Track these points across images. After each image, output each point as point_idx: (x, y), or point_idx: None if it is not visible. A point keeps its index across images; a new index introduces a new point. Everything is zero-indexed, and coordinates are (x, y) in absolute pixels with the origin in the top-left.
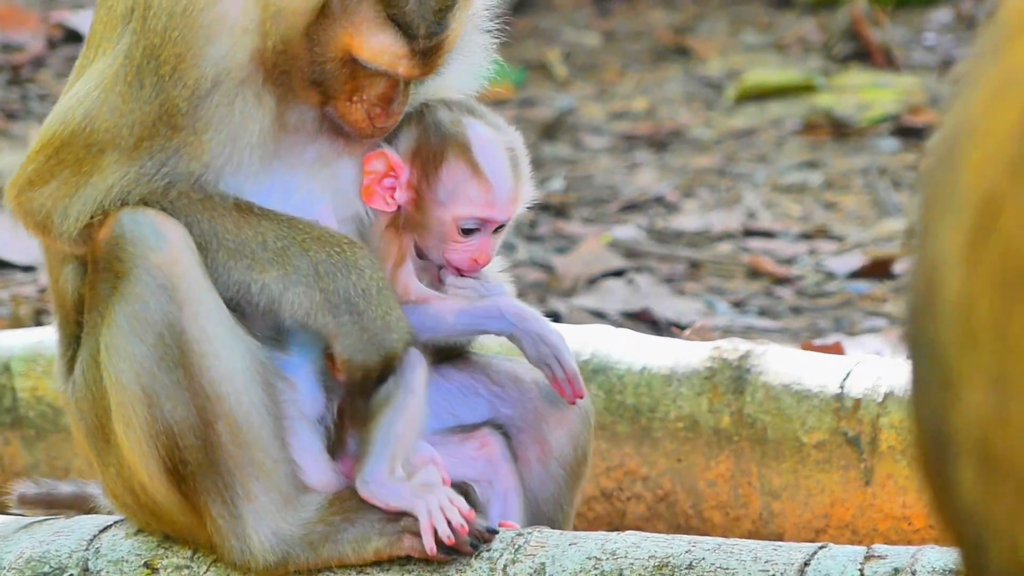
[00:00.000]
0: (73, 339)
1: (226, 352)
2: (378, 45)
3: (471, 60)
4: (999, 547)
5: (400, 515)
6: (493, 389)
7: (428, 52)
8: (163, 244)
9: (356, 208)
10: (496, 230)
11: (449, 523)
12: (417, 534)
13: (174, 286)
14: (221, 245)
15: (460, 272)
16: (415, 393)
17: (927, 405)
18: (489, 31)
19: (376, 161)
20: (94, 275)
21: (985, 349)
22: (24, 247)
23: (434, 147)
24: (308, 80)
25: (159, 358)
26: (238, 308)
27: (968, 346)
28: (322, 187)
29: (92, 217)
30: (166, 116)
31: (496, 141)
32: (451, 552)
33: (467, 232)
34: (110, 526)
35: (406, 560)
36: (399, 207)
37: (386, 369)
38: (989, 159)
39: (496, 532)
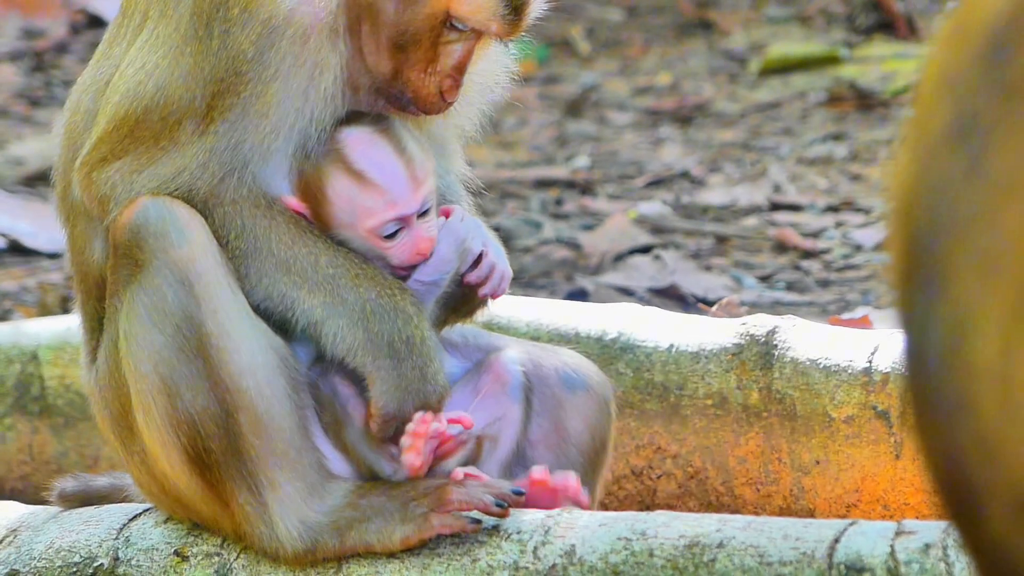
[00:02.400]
0: (95, 323)
1: (246, 347)
2: (477, 1)
3: (500, 55)
4: None
5: (422, 498)
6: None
7: (519, 9)
8: (184, 242)
9: None
10: (423, 215)
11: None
12: (442, 511)
13: (192, 282)
14: (272, 253)
15: (411, 267)
16: None
17: (950, 451)
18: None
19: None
20: (114, 259)
21: None
22: (50, 235)
23: (311, 175)
24: (390, 41)
25: (178, 348)
26: (265, 314)
27: (1008, 416)
28: None
29: (152, 193)
30: (234, 63)
31: (371, 138)
32: (478, 520)
33: (390, 236)
34: (140, 514)
35: (435, 543)
36: None
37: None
38: None
39: (522, 493)
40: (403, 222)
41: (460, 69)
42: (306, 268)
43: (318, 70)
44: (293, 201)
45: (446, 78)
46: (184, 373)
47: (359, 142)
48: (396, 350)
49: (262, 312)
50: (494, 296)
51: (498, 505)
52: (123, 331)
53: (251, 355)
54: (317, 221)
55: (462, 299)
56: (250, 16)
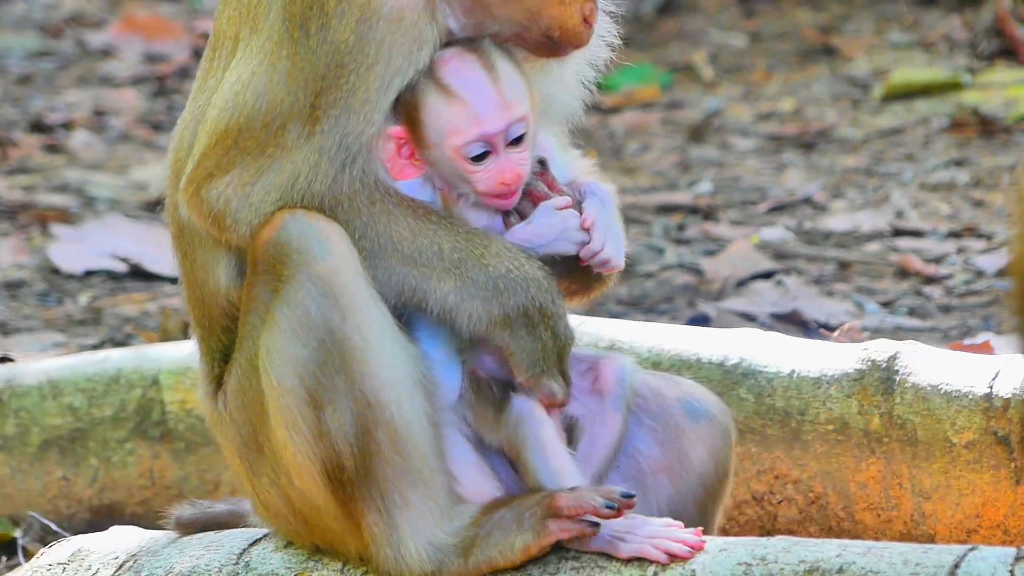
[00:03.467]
0: (218, 353)
1: (388, 361)
2: None
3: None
4: None
5: (535, 507)
6: (636, 400)
7: None
8: (327, 254)
9: None
10: (514, 143)
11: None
12: (559, 516)
13: (337, 295)
14: (396, 250)
15: (498, 199)
16: (545, 424)
17: None
18: (608, 21)
19: (382, 143)
20: (253, 277)
21: None
22: (172, 260)
23: (409, 98)
24: None
25: (321, 362)
26: (398, 308)
27: None
28: None
29: (275, 206)
30: (335, 56)
31: (462, 56)
32: (596, 523)
33: (478, 159)
34: (260, 539)
35: (555, 569)
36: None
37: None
38: None
39: (632, 496)
40: (490, 144)
41: None
42: (432, 258)
43: (416, 46)
44: (393, 128)
45: (585, 2)
46: (327, 387)
47: (450, 59)
48: (531, 318)
49: (396, 306)
50: (606, 269)
51: (608, 507)
52: (265, 346)
53: (393, 369)
54: (414, 146)
55: (578, 273)
56: (348, 4)
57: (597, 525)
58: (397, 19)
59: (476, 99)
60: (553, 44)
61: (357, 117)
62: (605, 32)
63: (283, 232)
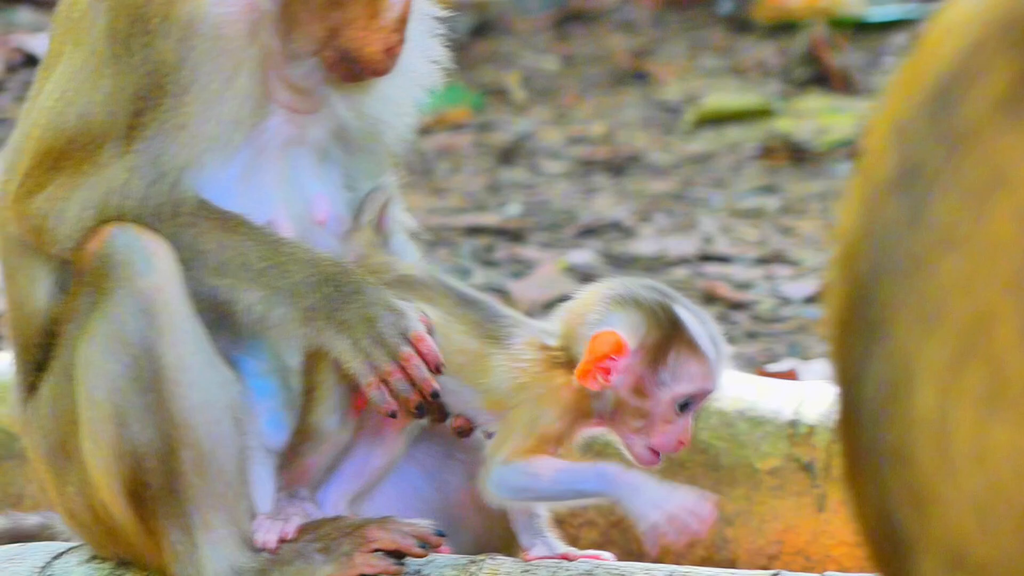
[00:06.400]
0: (32, 365)
1: (201, 382)
2: None
3: (421, 70)
4: None
5: (345, 537)
6: (449, 433)
7: None
8: (151, 271)
9: (307, 206)
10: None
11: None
12: (366, 550)
13: (155, 313)
14: (203, 263)
15: (649, 461)
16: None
17: (883, 502)
18: (439, 46)
19: (604, 341)
20: (77, 287)
21: (964, 472)
22: None
23: (662, 334)
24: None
25: (133, 379)
26: (224, 326)
27: (945, 467)
28: (279, 179)
29: (94, 220)
30: (156, 77)
31: (698, 319)
32: (402, 561)
33: (682, 408)
34: (63, 553)
35: None
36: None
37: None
38: (978, 274)
39: (444, 535)
40: (694, 401)
41: (403, 21)
42: (237, 270)
43: (235, 70)
44: (624, 340)
45: (392, 33)
46: (136, 404)
47: (694, 319)
48: (330, 316)
49: (213, 318)
50: None
51: (421, 547)
52: (80, 357)
53: (205, 391)
54: (632, 373)
55: None
56: (171, 23)
57: (403, 564)
58: (216, 41)
59: (711, 357)
60: (354, 68)
61: (173, 141)
62: (434, 55)
63: (109, 245)
